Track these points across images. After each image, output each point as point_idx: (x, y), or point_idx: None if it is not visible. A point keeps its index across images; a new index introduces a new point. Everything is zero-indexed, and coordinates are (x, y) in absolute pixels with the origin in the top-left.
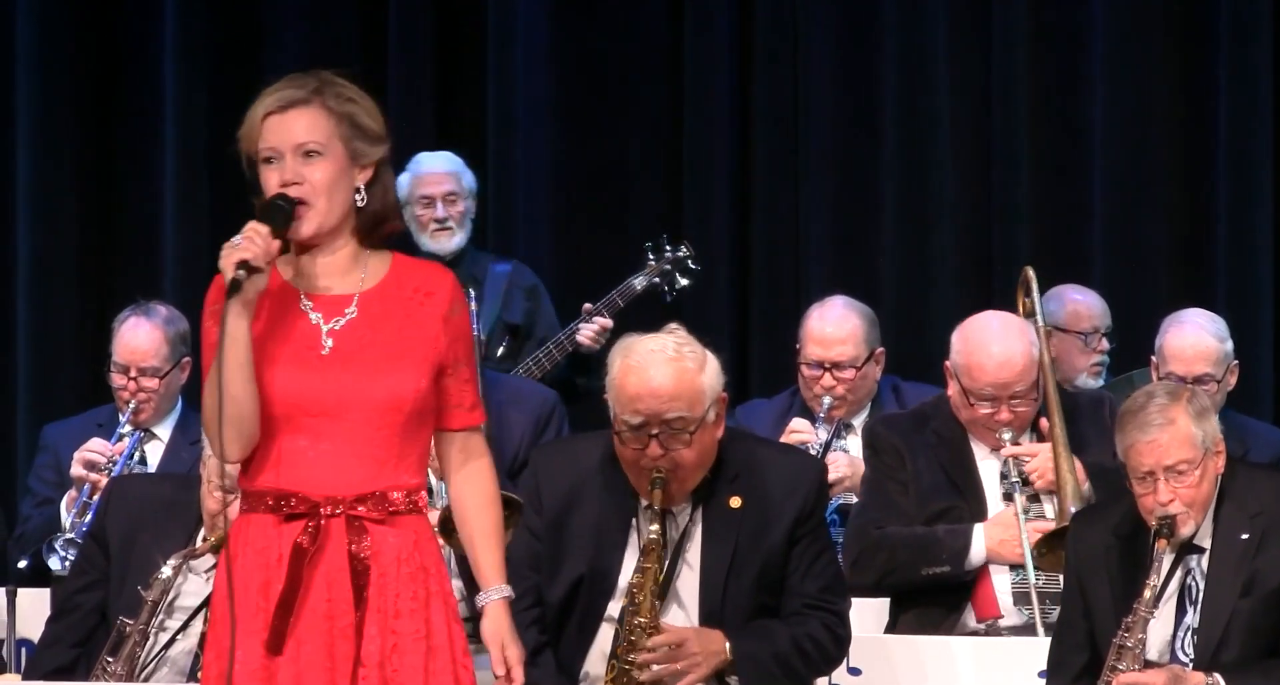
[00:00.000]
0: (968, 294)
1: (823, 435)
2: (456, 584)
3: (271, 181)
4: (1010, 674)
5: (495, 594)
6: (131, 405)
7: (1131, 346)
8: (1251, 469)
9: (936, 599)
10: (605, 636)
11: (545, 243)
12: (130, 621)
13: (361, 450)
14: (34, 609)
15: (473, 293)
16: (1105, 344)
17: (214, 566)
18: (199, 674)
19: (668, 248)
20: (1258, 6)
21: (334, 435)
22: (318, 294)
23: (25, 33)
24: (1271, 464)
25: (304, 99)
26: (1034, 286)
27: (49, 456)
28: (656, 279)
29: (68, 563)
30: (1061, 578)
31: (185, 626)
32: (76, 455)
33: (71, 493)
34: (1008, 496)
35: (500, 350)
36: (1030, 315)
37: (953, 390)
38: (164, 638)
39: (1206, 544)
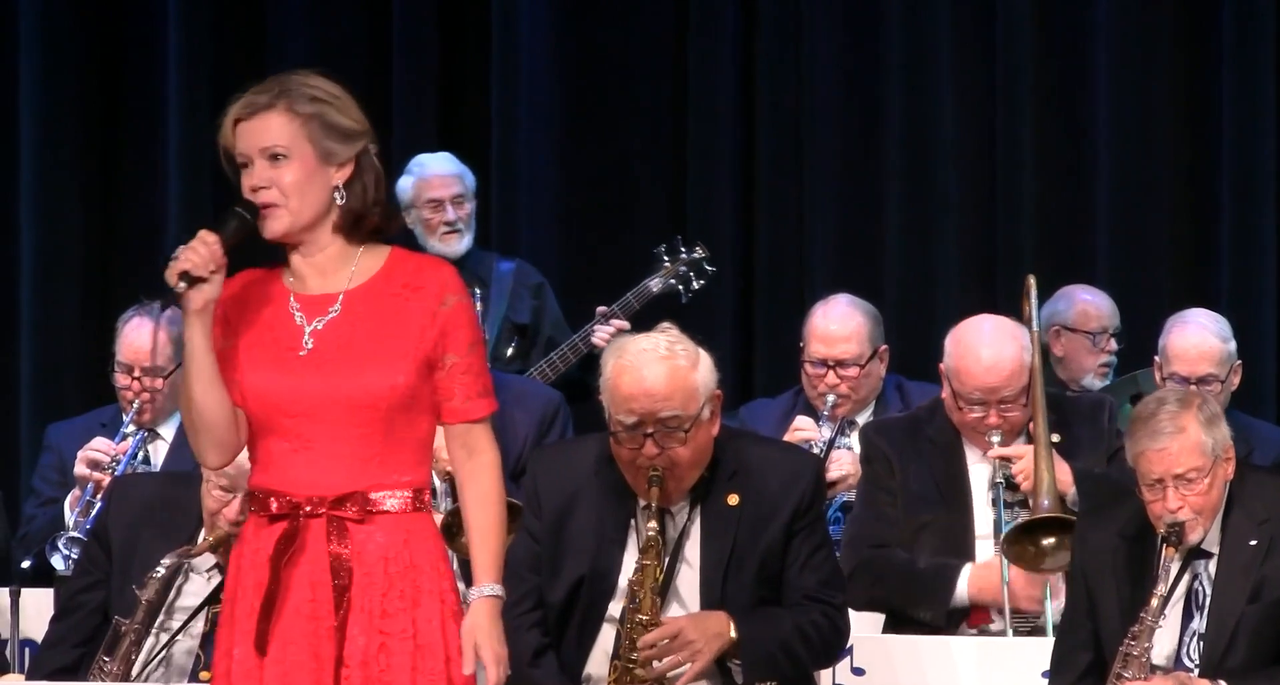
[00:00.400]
0: (972, 293)
1: (826, 433)
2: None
3: (244, 186)
4: (1013, 674)
5: (477, 592)
6: (135, 405)
7: (1135, 346)
8: (1261, 474)
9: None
10: (607, 637)
11: (549, 243)
12: (126, 621)
13: (342, 450)
14: (38, 609)
15: (478, 292)
16: (1113, 344)
17: (215, 566)
18: (200, 674)
19: (683, 250)
20: (1261, 7)
21: (314, 436)
22: (305, 294)
23: (29, 34)
24: None
25: (267, 104)
26: (1033, 294)
27: (53, 456)
28: (672, 280)
29: (71, 562)
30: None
31: (185, 626)
32: (80, 454)
33: (75, 492)
34: (996, 503)
35: (509, 350)
36: (1029, 322)
37: (945, 393)
38: (164, 637)
39: (1214, 549)
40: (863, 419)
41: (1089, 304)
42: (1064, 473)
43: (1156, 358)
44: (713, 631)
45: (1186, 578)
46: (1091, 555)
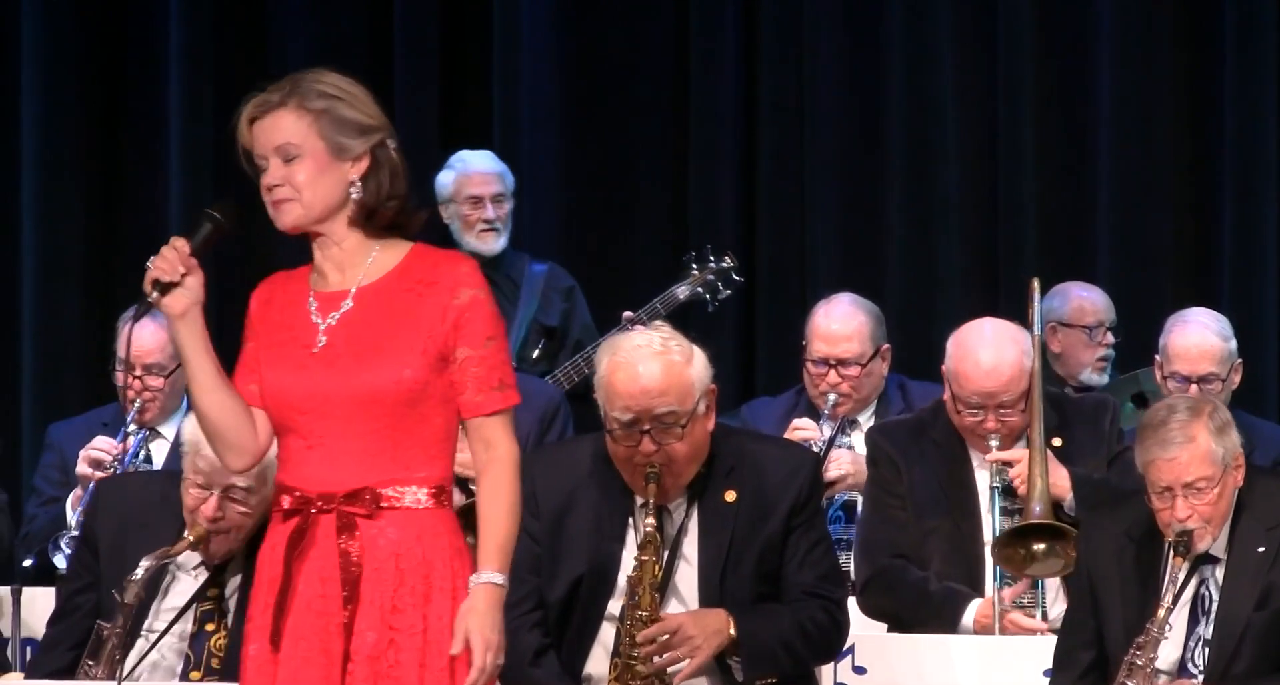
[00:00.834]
0: (973, 293)
1: (826, 432)
2: None
3: (262, 185)
4: (1015, 673)
5: (477, 578)
6: (136, 404)
7: (1136, 344)
8: (1270, 479)
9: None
10: (607, 634)
11: (550, 243)
12: (108, 625)
13: (352, 446)
14: (39, 608)
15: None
16: (1110, 338)
17: (200, 564)
18: (190, 674)
19: (711, 258)
20: (1263, 5)
21: (325, 432)
22: (322, 291)
23: (30, 34)
24: None
25: (278, 102)
26: (1036, 297)
27: (54, 456)
28: (699, 288)
29: None
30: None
31: (171, 626)
32: (82, 453)
33: (77, 491)
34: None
35: (535, 352)
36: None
37: (946, 396)
38: (151, 638)
39: (1222, 555)
40: (864, 418)
41: (1084, 299)
42: (1061, 478)
43: (1157, 357)
44: (712, 628)
45: (1193, 583)
46: (1097, 554)
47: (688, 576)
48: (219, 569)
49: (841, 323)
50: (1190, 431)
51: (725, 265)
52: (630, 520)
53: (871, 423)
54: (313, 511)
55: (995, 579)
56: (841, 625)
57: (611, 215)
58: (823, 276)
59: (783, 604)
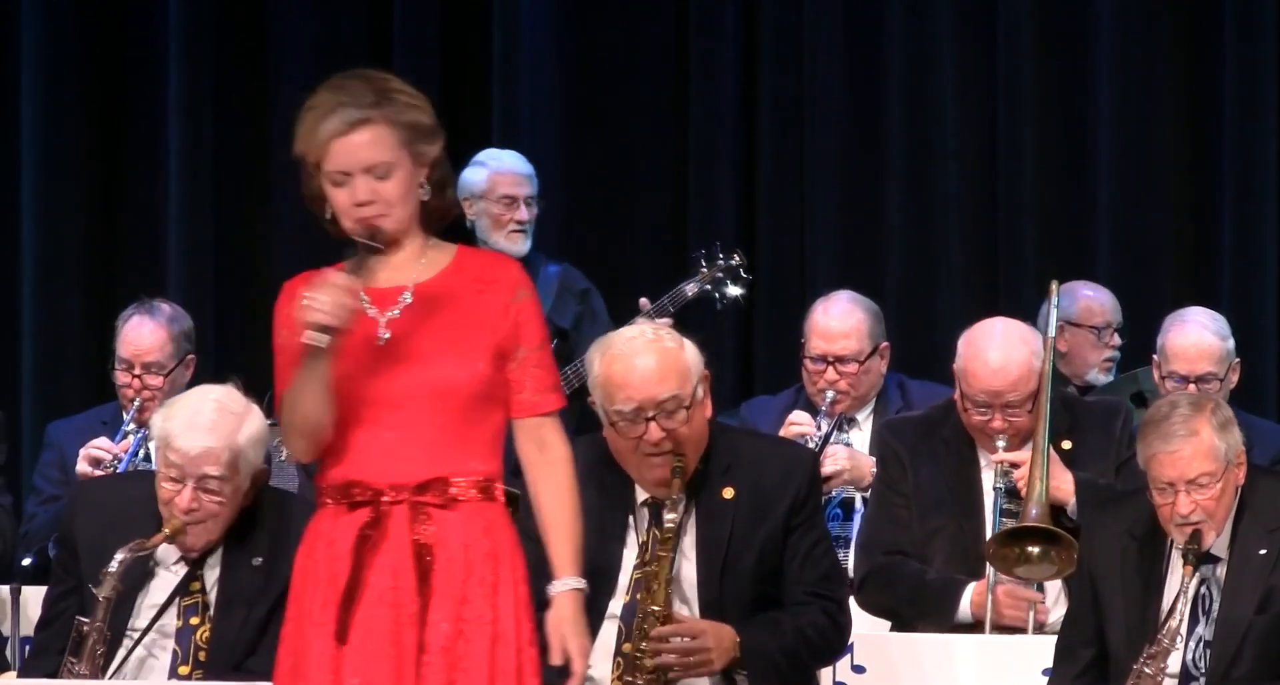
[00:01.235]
0: (973, 292)
1: (823, 428)
2: None
3: (342, 201)
4: (1014, 672)
5: (562, 585)
6: (136, 403)
7: (1136, 343)
8: (1272, 479)
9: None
10: (608, 634)
11: (549, 243)
12: (87, 620)
13: (422, 437)
14: (38, 607)
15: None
16: (1117, 339)
17: (180, 559)
18: (178, 669)
19: (720, 256)
20: (1263, 3)
21: (395, 424)
22: (373, 288)
23: (30, 31)
24: None
25: (367, 118)
26: (1052, 300)
27: (54, 454)
28: (708, 286)
29: None
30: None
31: (155, 622)
32: (82, 452)
33: None
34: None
35: None
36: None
37: (956, 394)
38: (136, 636)
39: (1223, 555)
40: (862, 416)
41: (1092, 300)
42: (1065, 482)
43: (1155, 357)
44: (726, 644)
45: (1194, 583)
46: (1098, 552)
47: (688, 573)
48: (198, 562)
49: (840, 320)
50: (1193, 426)
51: (734, 263)
52: (630, 519)
53: (870, 421)
54: (383, 503)
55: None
56: (843, 627)
57: (611, 215)
58: (822, 276)
59: (784, 609)
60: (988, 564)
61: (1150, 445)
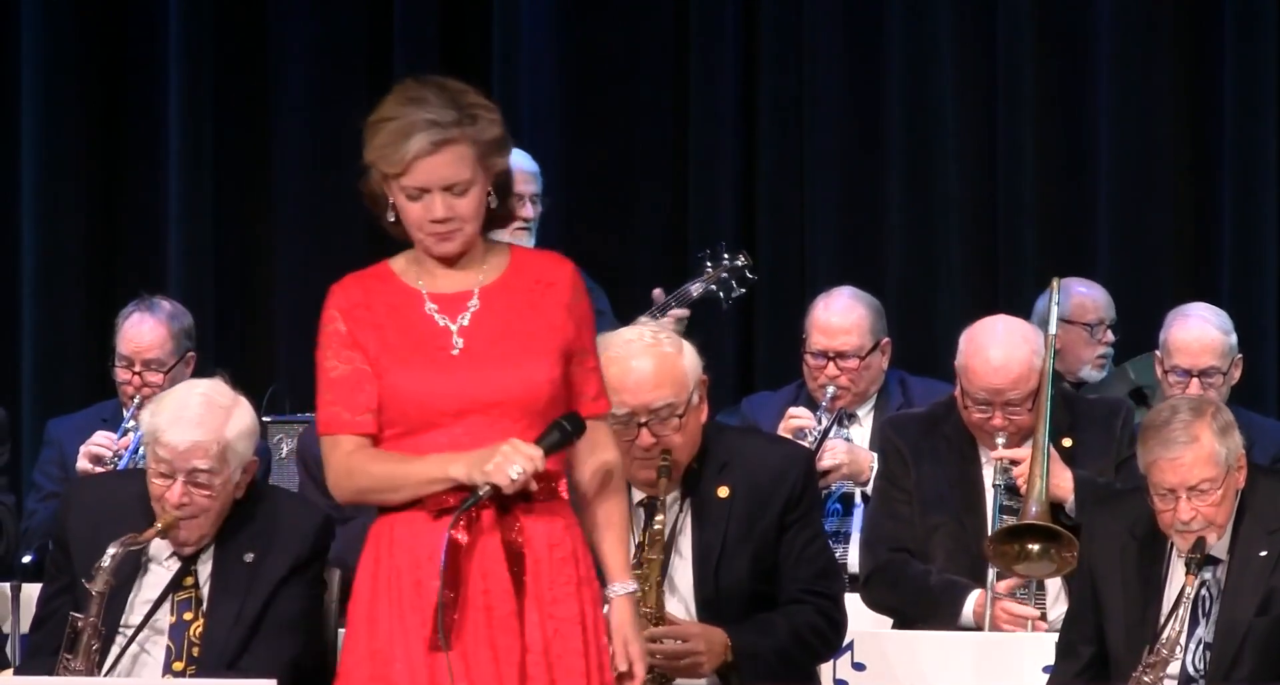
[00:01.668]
0: (973, 292)
1: (822, 422)
2: None
3: (416, 215)
4: (1014, 669)
5: (620, 589)
6: (136, 400)
7: (1136, 343)
8: (1272, 480)
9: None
10: None
11: (549, 243)
12: (81, 616)
13: (501, 441)
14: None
15: None
16: (1110, 336)
17: (173, 555)
18: (173, 665)
19: (726, 256)
20: (1263, 3)
21: (475, 430)
22: (438, 293)
23: (30, 31)
24: None
25: (453, 138)
26: (1054, 297)
27: (54, 451)
28: (713, 286)
29: None
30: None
31: (149, 618)
32: (83, 449)
33: None
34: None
35: None
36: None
37: (957, 391)
38: (129, 633)
39: (1223, 556)
40: (863, 412)
41: (1085, 296)
42: (1064, 480)
43: (1157, 352)
44: (718, 648)
45: (1194, 584)
46: (1099, 551)
47: (683, 572)
48: (191, 558)
49: (841, 315)
50: (1194, 432)
51: (740, 263)
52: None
53: (871, 416)
54: (473, 505)
55: (989, 571)
56: (839, 624)
57: (611, 215)
58: (823, 273)
59: (778, 610)
60: (988, 566)
61: (1151, 451)
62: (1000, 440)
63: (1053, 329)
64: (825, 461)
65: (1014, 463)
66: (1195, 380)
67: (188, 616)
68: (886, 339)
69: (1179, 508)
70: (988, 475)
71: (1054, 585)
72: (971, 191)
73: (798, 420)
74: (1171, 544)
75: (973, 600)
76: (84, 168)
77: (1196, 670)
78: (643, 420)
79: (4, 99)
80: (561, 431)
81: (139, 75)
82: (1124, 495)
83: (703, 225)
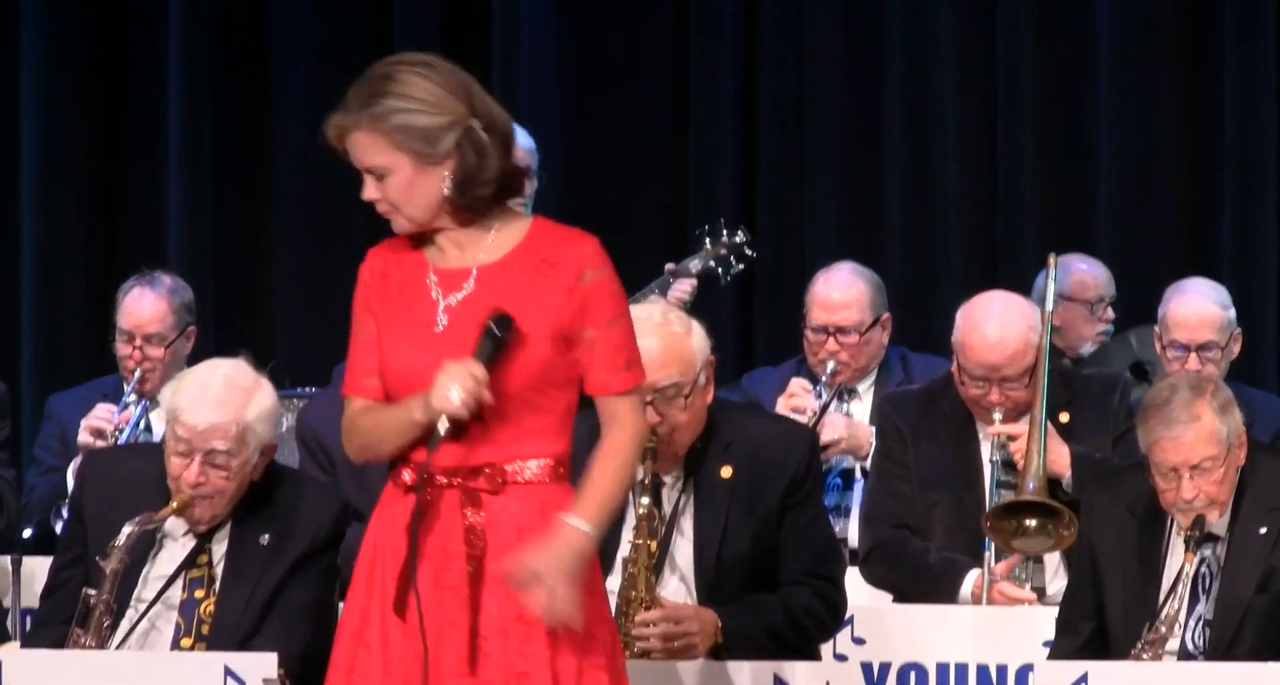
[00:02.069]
0: (973, 266)
1: (822, 397)
2: None
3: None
4: (1014, 643)
5: (567, 518)
6: (137, 374)
7: (1136, 321)
8: (1272, 457)
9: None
10: None
11: None
12: (94, 593)
13: (475, 424)
14: (40, 578)
15: None
16: (1110, 313)
17: (188, 532)
18: (181, 641)
19: (724, 232)
20: (1263, 2)
21: None
22: (443, 268)
23: (30, 31)
24: None
25: (352, 124)
26: (1050, 274)
27: (54, 426)
28: (712, 262)
29: None
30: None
31: (162, 594)
32: (84, 423)
33: (78, 461)
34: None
35: None
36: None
37: (953, 367)
38: (141, 608)
39: (1223, 534)
40: (863, 387)
41: (1085, 273)
42: (1061, 455)
43: (1156, 328)
44: (710, 629)
45: (1194, 561)
46: (1099, 528)
47: (685, 552)
48: (206, 536)
49: (841, 291)
50: (1194, 410)
51: (739, 240)
52: (629, 497)
53: (871, 392)
54: (435, 486)
55: (987, 550)
56: (838, 607)
57: (611, 215)
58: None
59: (777, 591)
60: (986, 542)
61: (1152, 431)
62: (997, 416)
63: (1049, 305)
64: (825, 436)
65: (1011, 438)
66: (1194, 355)
67: (199, 594)
68: (887, 314)
69: (1182, 486)
70: (985, 451)
71: (1053, 560)
72: (972, 192)
73: (797, 396)
74: (1172, 521)
75: (971, 580)
76: (84, 168)
77: (1196, 647)
78: (648, 399)
79: (4, 99)
80: (492, 336)
81: (139, 75)
82: (1124, 472)
83: (702, 220)
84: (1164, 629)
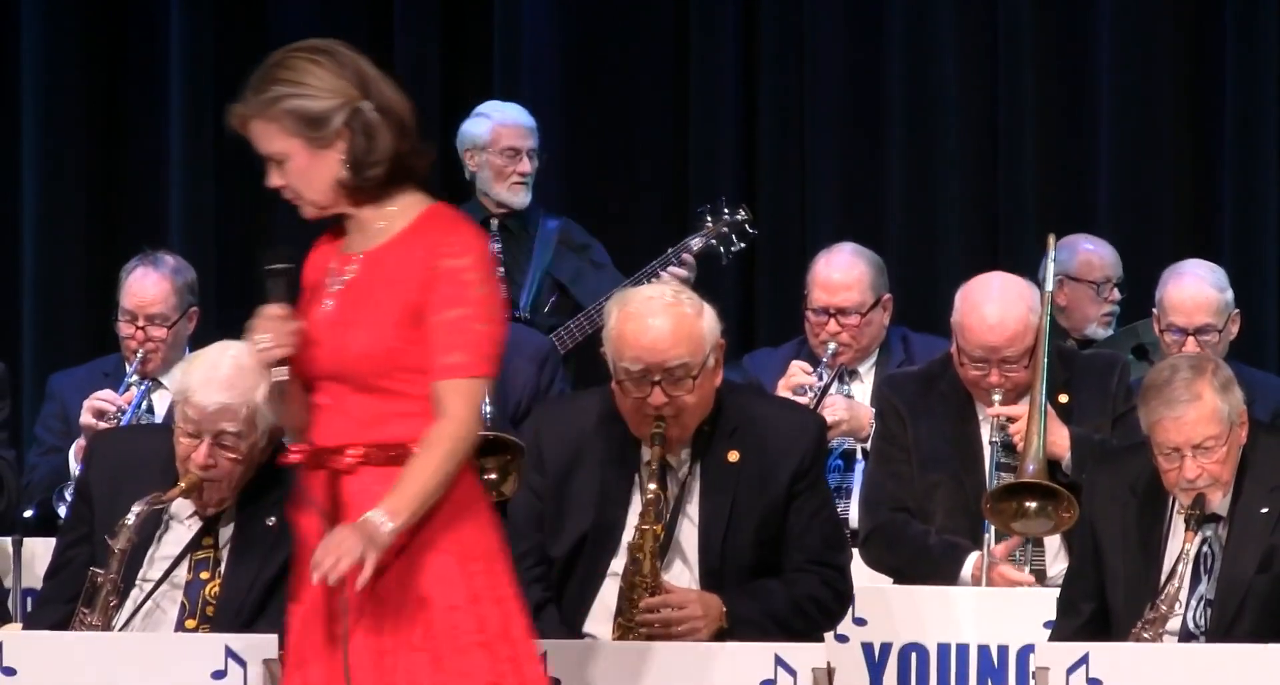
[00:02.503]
0: (974, 246)
1: (823, 378)
2: None
3: None
4: (1015, 624)
5: (372, 514)
6: (139, 354)
7: (1137, 300)
8: (1272, 436)
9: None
10: (609, 592)
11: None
12: (101, 572)
13: (346, 405)
14: (41, 559)
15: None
16: (1117, 294)
17: (194, 514)
18: (186, 622)
19: (725, 211)
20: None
21: (327, 392)
22: (345, 253)
23: (30, 31)
24: None
25: (249, 113)
26: (1050, 254)
27: (55, 406)
28: (713, 241)
29: None
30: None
31: (167, 575)
32: (86, 404)
33: (80, 441)
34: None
35: (547, 307)
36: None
37: (953, 348)
38: (146, 588)
39: (1224, 513)
40: (864, 368)
41: (1092, 254)
42: (1060, 437)
43: (1155, 310)
44: (715, 614)
45: (1195, 541)
46: (1100, 508)
47: (690, 536)
48: (213, 519)
49: (842, 272)
50: (1196, 389)
51: (739, 218)
52: (636, 478)
53: (872, 373)
54: (309, 466)
55: (986, 532)
56: (843, 595)
57: (611, 216)
58: (824, 230)
59: (782, 577)
60: (985, 524)
61: (1154, 411)
62: (996, 398)
63: (1049, 286)
64: (826, 417)
65: (1011, 420)
66: (1191, 338)
67: (204, 575)
68: (888, 295)
69: (1185, 466)
70: (985, 432)
71: (1053, 542)
72: (972, 146)
73: (798, 377)
74: (1173, 501)
75: (970, 563)
76: (84, 169)
77: (1197, 626)
78: (656, 378)
79: (4, 99)
80: (270, 275)
81: (139, 76)
82: (1125, 453)
83: (702, 194)
84: (1165, 608)
